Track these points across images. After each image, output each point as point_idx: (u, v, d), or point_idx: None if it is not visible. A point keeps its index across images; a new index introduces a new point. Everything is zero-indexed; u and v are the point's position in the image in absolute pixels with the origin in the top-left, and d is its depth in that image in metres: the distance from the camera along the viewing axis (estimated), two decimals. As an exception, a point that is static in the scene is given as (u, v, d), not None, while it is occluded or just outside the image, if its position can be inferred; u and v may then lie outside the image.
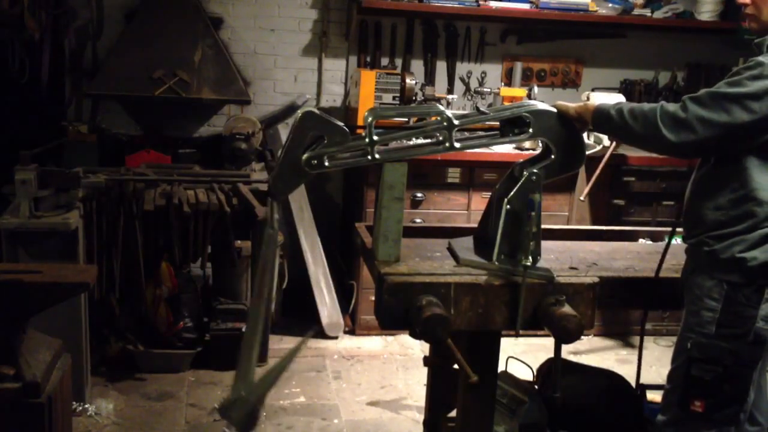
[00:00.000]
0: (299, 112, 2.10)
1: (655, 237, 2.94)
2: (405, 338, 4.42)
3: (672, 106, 2.05)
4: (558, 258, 2.46)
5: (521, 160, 2.28)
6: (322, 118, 2.09)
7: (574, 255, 2.53)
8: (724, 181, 2.13)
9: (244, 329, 3.80)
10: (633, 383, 3.01)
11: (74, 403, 3.28)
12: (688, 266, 2.28)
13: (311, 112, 2.09)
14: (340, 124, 2.11)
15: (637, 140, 2.19)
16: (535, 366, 2.99)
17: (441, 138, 2.18)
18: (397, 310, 2.08)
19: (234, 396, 2.13)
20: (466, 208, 4.52)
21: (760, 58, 2.04)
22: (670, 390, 2.25)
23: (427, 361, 2.73)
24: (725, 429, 2.17)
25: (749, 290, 2.09)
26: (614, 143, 4.27)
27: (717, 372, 2.12)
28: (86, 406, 3.45)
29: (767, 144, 2.04)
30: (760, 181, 2.07)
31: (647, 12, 4.98)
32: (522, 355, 3.02)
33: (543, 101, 2.33)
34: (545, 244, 2.31)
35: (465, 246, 2.38)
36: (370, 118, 2.12)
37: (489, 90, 4.86)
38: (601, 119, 2.17)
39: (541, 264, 2.17)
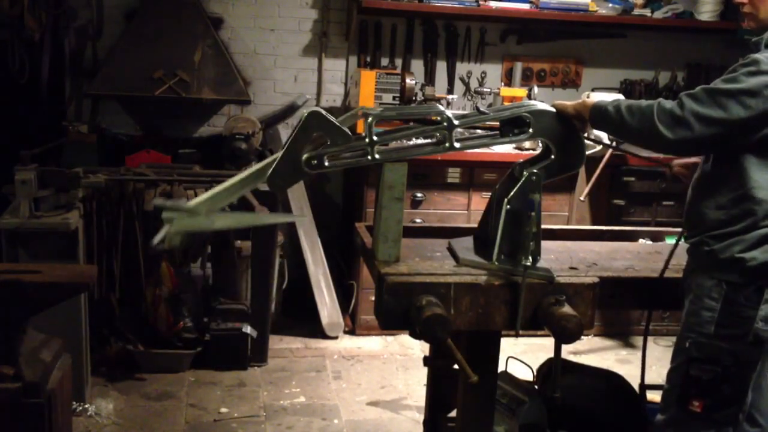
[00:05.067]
0: (305, 111, 2.10)
1: (655, 237, 2.94)
2: (405, 338, 4.42)
3: (669, 103, 2.05)
4: (558, 258, 2.46)
5: (521, 160, 2.28)
6: (328, 120, 2.08)
7: (574, 255, 2.53)
8: (723, 180, 2.13)
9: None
10: (633, 383, 3.01)
11: (74, 403, 3.28)
12: (689, 266, 2.28)
13: (318, 113, 2.08)
14: (345, 128, 2.11)
15: (634, 137, 2.18)
16: (535, 366, 2.99)
17: (441, 138, 2.18)
18: (397, 310, 2.08)
19: (186, 206, 2.11)
20: (466, 208, 4.52)
21: (756, 55, 2.04)
22: (669, 390, 2.25)
23: (427, 361, 2.73)
24: (723, 429, 2.17)
25: (748, 291, 2.09)
26: (614, 143, 4.27)
27: (715, 372, 2.12)
28: (86, 406, 3.45)
29: (764, 142, 2.05)
30: (759, 180, 2.07)
31: (647, 12, 4.98)
32: (522, 355, 3.01)
33: (543, 101, 2.33)
34: (545, 244, 2.30)
35: (465, 246, 2.38)
36: (369, 119, 2.12)
37: (489, 90, 4.86)
38: (598, 116, 2.16)
39: (541, 264, 2.17)
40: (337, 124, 2.10)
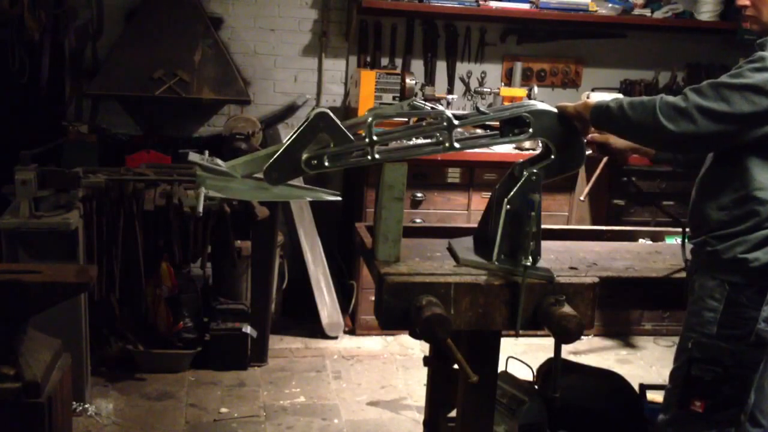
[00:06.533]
0: (315, 110, 2.10)
1: (655, 237, 2.95)
2: (405, 338, 4.42)
3: (672, 97, 2.04)
4: (558, 258, 2.46)
5: (521, 160, 2.28)
6: (335, 123, 2.09)
7: (574, 255, 2.53)
8: (726, 180, 2.13)
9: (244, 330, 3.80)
10: (633, 383, 3.01)
11: (74, 403, 3.28)
12: (692, 266, 2.27)
13: (326, 114, 2.08)
14: (349, 134, 2.11)
15: (636, 132, 2.15)
16: (535, 366, 2.99)
17: (441, 138, 2.18)
18: (397, 310, 2.08)
19: (221, 166, 2.12)
20: (466, 208, 4.52)
21: (763, 53, 2.04)
22: (671, 389, 2.25)
23: (427, 361, 2.73)
24: (725, 430, 2.17)
25: (751, 291, 2.09)
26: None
27: (717, 372, 2.12)
28: (86, 406, 3.45)
29: (767, 141, 2.04)
30: (762, 181, 2.07)
31: (647, 12, 4.98)
32: (522, 355, 3.02)
33: (543, 101, 2.33)
34: (545, 244, 2.30)
35: (465, 246, 2.38)
36: (370, 118, 2.12)
37: (489, 90, 4.86)
38: (600, 114, 2.15)
39: (541, 264, 2.17)
40: (343, 128, 2.10)
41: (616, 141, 2.43)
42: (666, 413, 2.27)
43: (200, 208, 2.12)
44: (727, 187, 2.12)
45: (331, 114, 2.09)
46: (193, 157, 2.17)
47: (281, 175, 2.14)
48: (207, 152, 2.19)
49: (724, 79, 2.02)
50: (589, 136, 2.38)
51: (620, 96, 2.20)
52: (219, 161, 2.16)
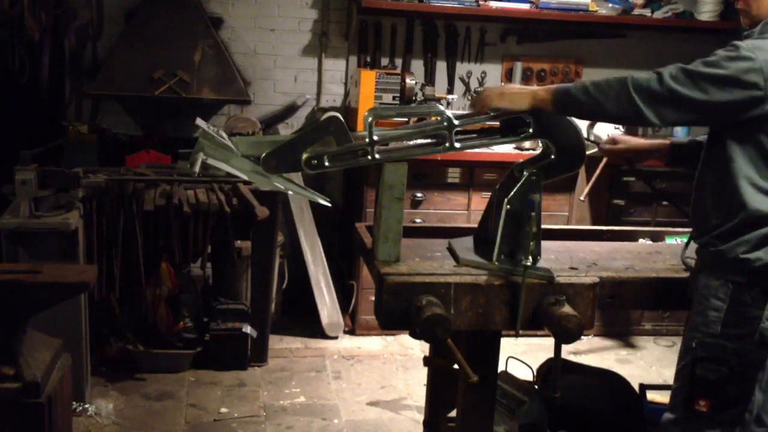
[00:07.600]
0: (327, 114, 2.12)
1: (655, 237, 2.95)
2: (405, 338, 4.42)
3: (644, 79, 2.05)
4: (558, 258, 2.46)
5: (521, 160, 2.28)
6: (345, 128, 2.12)
7: (574, 255, 2.53)
8: (717, 177, 2.13)
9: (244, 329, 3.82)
10: (633, 383, 3.01)
11: (74, 403, 3.28)
12: (696, 266, 2.27)
13: (339, 119, 2.12)
14: (352, 138, 2.13)
15: (611, 119, 2.19)
16: (535, 366, 2.99)
17: (441, 138, 2.18)
18: (397, 310, 2.08)
19: (223, 138, 2.15)
20: (466, 208, 4.52)
21: (737, 42, 2.07)
22: (677, 389, 2.25)
23: (427, 361, 2.73)
24: (730, 429, 2.17)
25: (755, 291, 2.08)
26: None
27: (722, 372, 2.12)
28: (86, 406, 3.45)
29: (753, 138, 2.05)
30: (747, 173, 2.07)
31: (647, 12, 4.98)
32: (522, 355, 3.01)
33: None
34: (545, 244, 2.30)
35: (465, 246, 2.38)
36: (370, 118, 2.12)
37: (489, 90, 4.85)
38: (563, 101, 2.10)
39: (541, 264, 2.17)
40: (350, 135, 2.12)
41: (638, 143, 2.54)
42: (672, 413, 2.26)
43: (196, 169, 2.15)
44: (717, 183, 2.13)
45: (341, 118, 2.11)
46: (200, 122, 2.20)
47: (279, 166, 2.15)
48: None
49: (701, 68, 2.04)
50: (606, 146, 2.43)
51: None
52: (224, 134, 2.19)
